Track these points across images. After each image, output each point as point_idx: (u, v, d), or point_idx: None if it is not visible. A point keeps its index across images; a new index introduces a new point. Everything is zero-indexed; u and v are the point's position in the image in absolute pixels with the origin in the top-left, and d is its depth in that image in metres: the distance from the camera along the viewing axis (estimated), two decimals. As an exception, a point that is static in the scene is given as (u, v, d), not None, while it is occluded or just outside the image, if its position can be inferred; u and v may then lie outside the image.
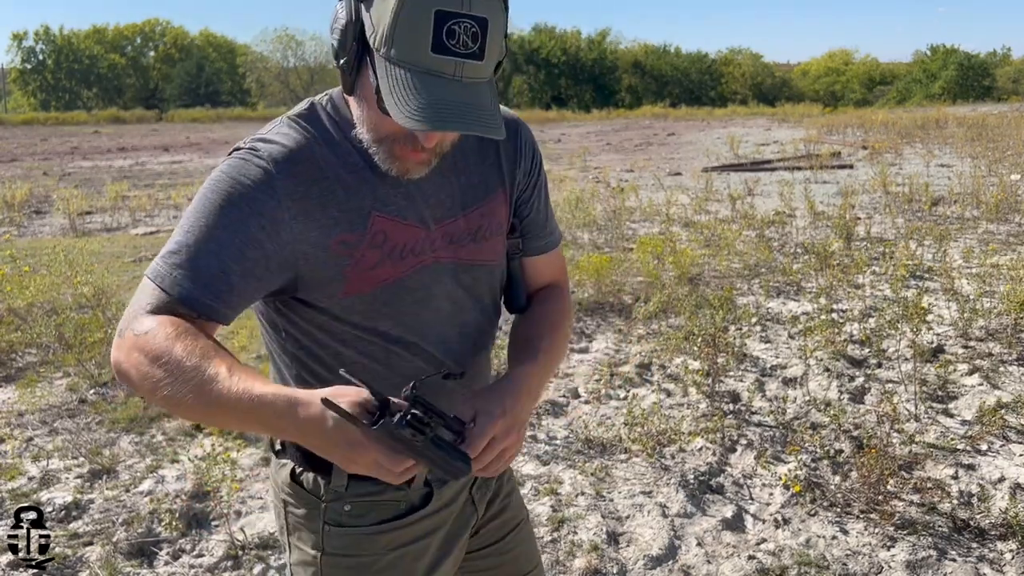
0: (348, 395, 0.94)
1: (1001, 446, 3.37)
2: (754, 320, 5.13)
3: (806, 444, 3.38)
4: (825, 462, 3.25)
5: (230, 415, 0.96)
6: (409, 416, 0.92)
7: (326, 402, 0.89)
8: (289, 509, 1.22)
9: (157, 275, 1.02)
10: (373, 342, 1.14)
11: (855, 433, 3.45)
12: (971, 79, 42.98)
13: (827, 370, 4.24)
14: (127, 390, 4.17)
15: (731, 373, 4.25)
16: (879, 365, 4.32)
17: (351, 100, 1.07)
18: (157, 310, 1.01)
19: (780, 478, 3.12)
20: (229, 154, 1.08)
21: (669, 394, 4.04)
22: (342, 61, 1.02)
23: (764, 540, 2.76)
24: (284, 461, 1.21)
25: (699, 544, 2.75)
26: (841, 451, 3.32)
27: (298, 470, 1.19)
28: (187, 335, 0.97)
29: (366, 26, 0.97)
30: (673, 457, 3.35)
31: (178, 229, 1.04)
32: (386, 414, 0.91)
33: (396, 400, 0.94)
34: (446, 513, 1.24)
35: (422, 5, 0.92)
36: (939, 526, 2.77)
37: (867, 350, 4.52)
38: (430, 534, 1.22)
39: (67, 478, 3.27)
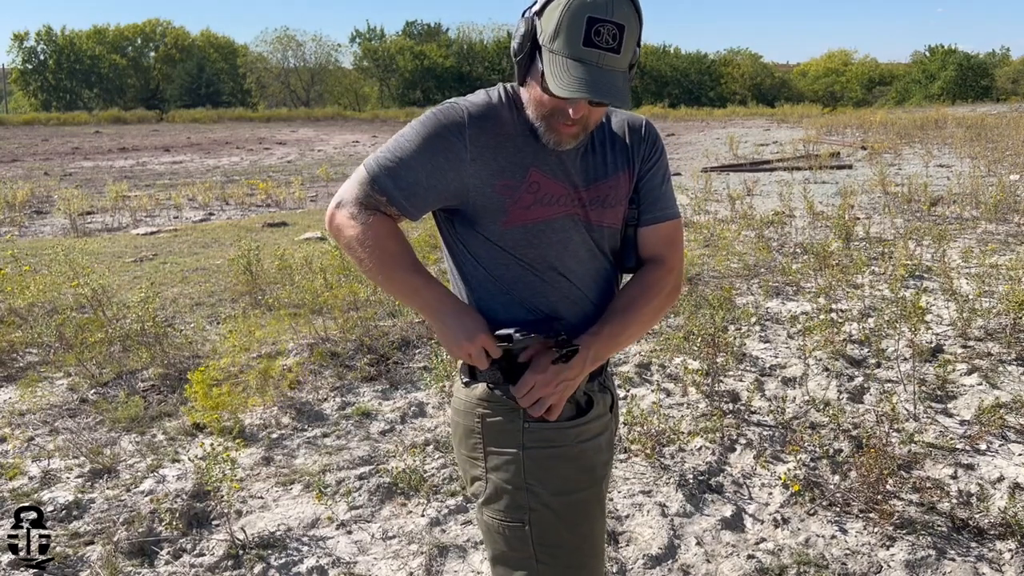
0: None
1: (1000, 446, 3.37)
2: (753, 320, 5.14)
3: (805, 444, 3.39)
4: (824, 462, 3.25)
5: (401, 297, 1.51)
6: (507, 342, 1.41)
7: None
8: (487, 420, 1.51)
9: (371, 171, 1.45)
10: (528, 268, 1.48)
11: (854, 433, 3.46)
12: (970, 79, 43.00)
13: (826, 370, 4.24)
14: (127, 390, 4.18)
15: (730, 373, 4.25)
16: (878, 365, 4.33)
17: (522, 88, 1.44)
18: (367, 197, 1.45)
19: (779, 477, 3.13)
20: (442, 103, 1.46)
21: (668, 394, 4.05)
22: (518, 57, 1.39)
23: (763, 539, 2.77)
24: (476, 384, 1.52)
25: (698, 543, 2.75)
26: (840, 451, 3.32)
27: (491, 386, 1.50)
28: (391, 236, 1.46)
29: (538, 31, 1.35)
30: (672, 457, 3.35)
31: (392, 143, 1.45)
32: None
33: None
34: (605, 421, 1.59)
35: (579, 13, 1.30)
36: (938, 525, 2.78)
37: (866, 350, 4.53)
38: (599, 435, 1.56)
39: (68, 478, 3.27)
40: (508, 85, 1.52)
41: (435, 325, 1.47)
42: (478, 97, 1.48)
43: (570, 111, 1.37)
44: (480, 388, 1.52)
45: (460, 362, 1.56)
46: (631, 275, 1.63)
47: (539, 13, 1.36)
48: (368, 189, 1.45)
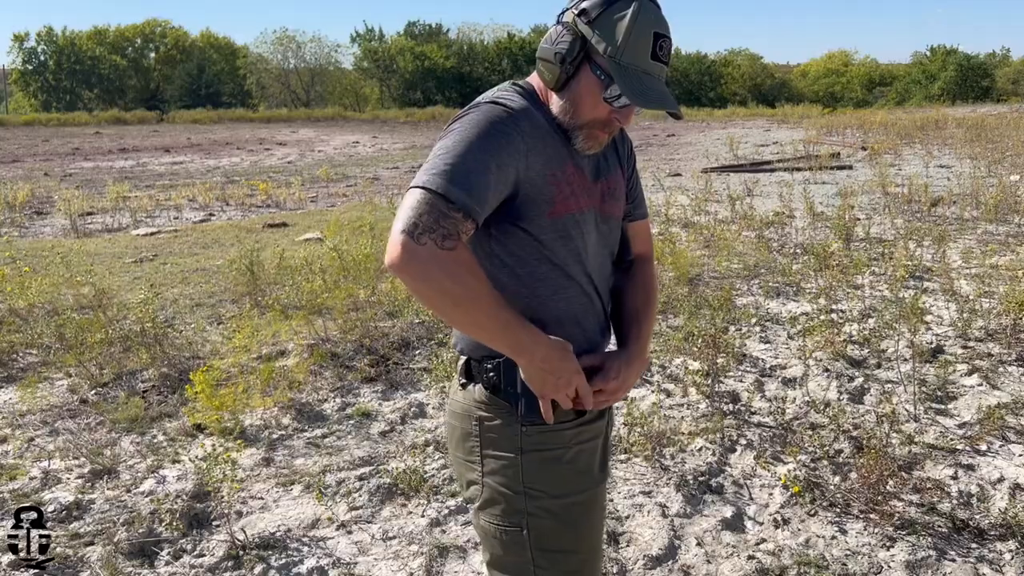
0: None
1: (1000, 446, 3.37)
2: (753, 321, 5.14)
3: (805, 444, 3.39)
4: (824, 462, 3.25)
5: (487, 333, 1.35)
6: None
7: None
8: (485, 423, 1.50)
9: (437, 187, 1.29)
10: (556, 265, 1.47)
11: (854, 433, 3.46)
12: (970, 80, 42.98)
13: (826, 370, 4.24)
14: (127, 391, 4.18)
15: (731, 373, 4.25)
16: (878, 365, 4.33)
17: (551, 93, 1.46)
18: (443, 217, 1.27)
19: (779, 478, 3.13)
20: (473, 105, 1.42)
21: (669, 394, 4.05)
22: (566, 64, 1.40)
23: (764, 540, 2.77)
24: (474, 386, 1.51)
25: (699, 544, 2.75)
26: (840, 451, 3.33)
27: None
28: (477, 266, 1.33)
29: (591, 40, 1.38)
30: (673, 457, 3.35)
31: (444, 155, 1.33)
32: None
33: None
34: (601, 424, 1.58)
35: (647, 28, 1.36)
36: (938, 526, 2.78)
37: (866, 350, 4.53)
38: (595, 438, 1.56)
39: (68, 478, 3.27)
40: (520, 83, 1.51)
41: (528, 365, 1.38)
42: (509, 93, 1.46)
43: (621, 119, 1.43)
44: (478, 391, 1.50)
45: (459, 363, 1.55)
46: (621, 269, 1.71)
47: (592, 22, 1.37)
48: (442, 208, 1.27)
